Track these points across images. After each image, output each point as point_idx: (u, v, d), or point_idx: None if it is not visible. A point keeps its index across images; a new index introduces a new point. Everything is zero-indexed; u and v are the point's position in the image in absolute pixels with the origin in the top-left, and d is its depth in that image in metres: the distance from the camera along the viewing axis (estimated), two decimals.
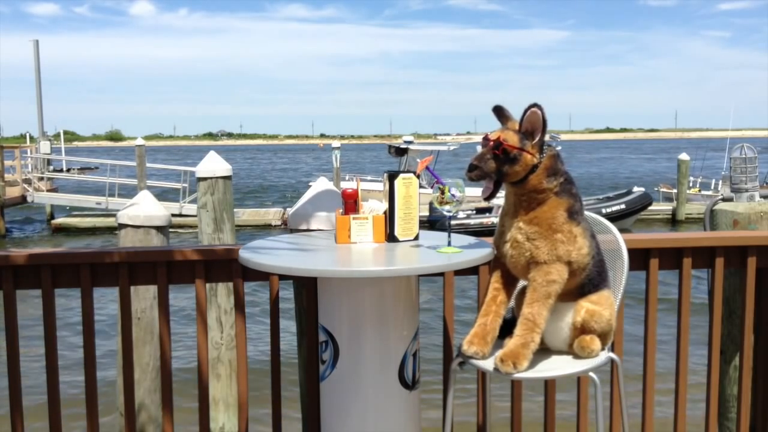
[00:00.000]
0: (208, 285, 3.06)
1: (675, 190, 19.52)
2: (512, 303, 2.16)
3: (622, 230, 2.27)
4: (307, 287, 2.41)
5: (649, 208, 18.28)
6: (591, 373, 1.99)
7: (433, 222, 12.63)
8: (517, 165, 1.93)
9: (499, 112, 2.03)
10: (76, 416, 3.03)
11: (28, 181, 19.70)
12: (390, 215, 2.20)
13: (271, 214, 19.10)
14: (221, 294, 4.49)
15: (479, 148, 2.04)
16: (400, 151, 19.62)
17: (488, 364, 1.98)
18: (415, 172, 2.23)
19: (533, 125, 1.92)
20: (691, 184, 20.48)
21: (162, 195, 18.13)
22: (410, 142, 20.20)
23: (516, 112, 1.98)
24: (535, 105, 1.91)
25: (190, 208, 17.40)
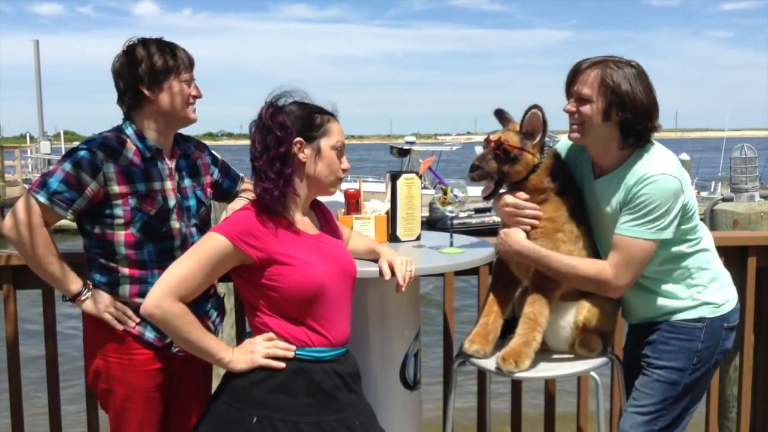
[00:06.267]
0: None
1: None
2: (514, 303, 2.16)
3: None
4: None
5: None
6: (592, 373, 1.99)
7: (432, 222, 12.57)
8: (517, 165, 1.93)
9: (501, 115, 2.05)
10: (75, 415, 3.03)
11: (28, 181, 19.70)
12: (392, 215, 2.20)
13: None
14: (221, 294, 4.47)
15: (478, 149, 2.04)
16: (403, 152, 19.51)
17: (489, 364, 1.98)
18: (417, 173, 2.23)
19: (534, 126, 1.93)
20: None
21: None
22: (412, 143, 20.07)
23: (517, 113, 1.99)
24: (535, 106, 1.92)
25: None
